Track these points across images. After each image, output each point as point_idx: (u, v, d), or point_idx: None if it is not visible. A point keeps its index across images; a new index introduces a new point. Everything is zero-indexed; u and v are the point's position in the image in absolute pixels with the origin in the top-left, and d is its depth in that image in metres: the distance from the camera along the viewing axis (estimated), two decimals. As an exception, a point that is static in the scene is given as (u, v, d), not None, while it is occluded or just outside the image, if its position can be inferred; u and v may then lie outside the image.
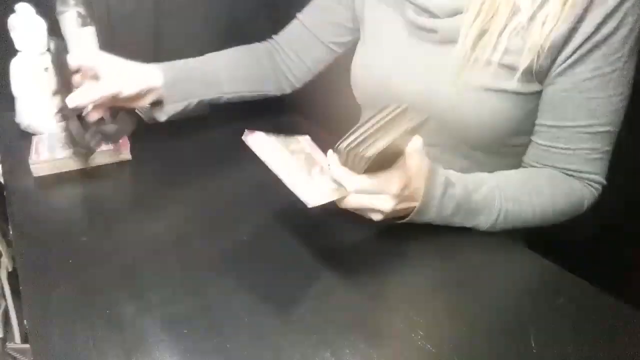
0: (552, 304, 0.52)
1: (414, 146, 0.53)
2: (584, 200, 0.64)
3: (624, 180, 0.66)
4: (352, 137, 0.48)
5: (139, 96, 0.73)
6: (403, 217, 0.58)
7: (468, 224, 0.60)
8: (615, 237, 0.96)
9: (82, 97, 0.66)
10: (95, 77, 0.71)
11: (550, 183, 0.63)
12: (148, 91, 0.74)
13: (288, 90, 0.92)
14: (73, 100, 0.65)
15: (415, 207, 0.56)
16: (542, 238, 0.73)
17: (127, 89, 0.70)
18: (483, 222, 0.60)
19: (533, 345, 0.45)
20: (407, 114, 0.50)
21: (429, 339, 0.46)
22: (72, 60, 0.68)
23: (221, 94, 0.84)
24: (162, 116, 0.78)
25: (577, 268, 0.56)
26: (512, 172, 0.65)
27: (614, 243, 0.97)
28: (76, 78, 0.70)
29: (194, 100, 0.80)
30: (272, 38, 0.92)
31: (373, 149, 0.47)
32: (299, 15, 0.88)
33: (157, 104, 0.77)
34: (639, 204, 0.90)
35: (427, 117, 0.50)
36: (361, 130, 0.48)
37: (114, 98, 0.70)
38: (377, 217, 0.55)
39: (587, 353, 0.46)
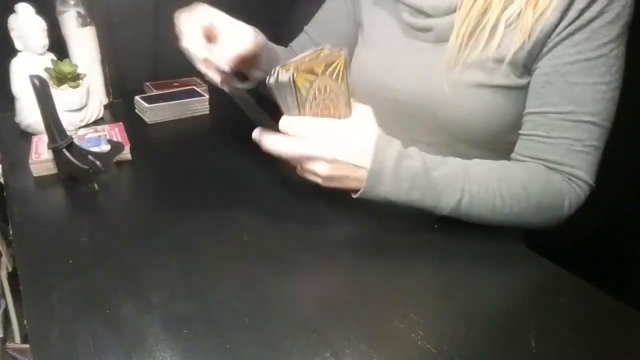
0: (552, 304, 0.52)
1: (361, 106, 0.56)
2: (563, 196, 0.61)
3: (624, 179, 0.66)
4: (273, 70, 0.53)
5: (254, 60, 0.67)
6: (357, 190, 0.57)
7: (429, 203, 0.58)
8: (616, 237, 0.96)
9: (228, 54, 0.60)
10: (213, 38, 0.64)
11: (525, 171, 0.61)
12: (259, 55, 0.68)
13: None
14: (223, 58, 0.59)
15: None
16: (542, 238, 0.73)
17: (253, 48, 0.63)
18: (445, 202, 0.58)
19: (533, 345, 0.45)
20: (324, 51, 0.55)
21: (429, 339, 0.46)
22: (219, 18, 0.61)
23: None
24: (250, 84, 0.70)
25: (577, 268, 0.56)
26: (483, 160, 0.62)
27: (614, 243, 0.97)
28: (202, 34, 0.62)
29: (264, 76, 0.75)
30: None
31: (287, 74, 0.50)
32: (306, 28, 0.88)
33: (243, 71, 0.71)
34: (638, 204, 0.90)
35: (345, 51, 0.53)
36: (281, 63, 0.53)
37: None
38: (320, 168, 0.55)
39: (587, 353, 0.46)
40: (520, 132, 0.65)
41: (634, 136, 0.64)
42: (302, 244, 0.59)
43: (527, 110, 0.64)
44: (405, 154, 0.57)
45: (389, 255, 0.58)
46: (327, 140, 0.54)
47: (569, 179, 0.62)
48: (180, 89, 1.03)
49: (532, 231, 0.67)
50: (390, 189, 0.56)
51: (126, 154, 0.75)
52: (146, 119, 0.93)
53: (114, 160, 0.71)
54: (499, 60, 0.61)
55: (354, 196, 0.58)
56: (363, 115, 0.57)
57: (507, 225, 0.61)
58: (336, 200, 0.67)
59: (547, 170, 0.62)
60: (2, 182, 0.75)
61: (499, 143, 0.68)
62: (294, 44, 0.90)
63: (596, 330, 0.49)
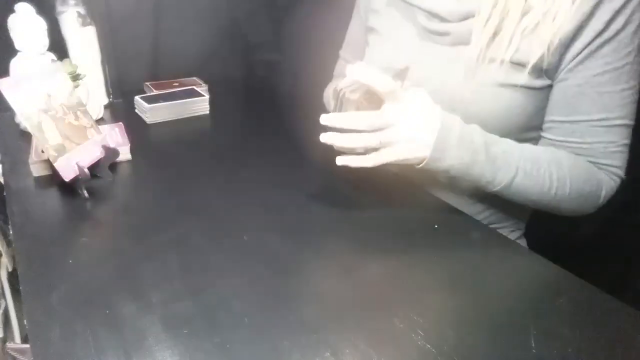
0: (552, 304, 0.52)
1: (416, 89, 0.59)
2: (602, 185, 0.64)
3: (625, 179, 0.66)
4: (342, 84, 0.59)
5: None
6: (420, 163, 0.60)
7: (487, 178, 0.60)
8: (616, 237, 0.96)
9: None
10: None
11: (570, 158, 0.63)
12: None
13: None
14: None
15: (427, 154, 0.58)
16: (542, 238, 0.73)
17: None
18: (499, 179, 0.60)
19: (533, 345, 0.45)
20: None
21: (429, 339, 0.46)
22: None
23: None
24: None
25: (577, 268, 0.56)
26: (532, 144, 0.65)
27: (614, 243, 0.97)
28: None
29: None
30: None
31: (357, 93, 0.57)
32: (340, 52, 0.91)
33: None
34: (638, 203, 0.90)
35: (407, 66, 0.57)
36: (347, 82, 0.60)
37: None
38: (372, 142, 0.57)
39: (587, 353, 0.46)
40: (548, 136, 0.66)
41: (634, 136, 0.64)
42: (302, 244, 0.59)
43: (554, 117, 0.64)
44: (468, 128, 0.59)
45: (389, 255, 0.58)
46: (402, 118, 0.57)
47: (608, 171, 0.64)
48: (180, 89, 1.03)
49: (532, 231, 0.68)
50: (454, 160, 0.59)
51: (126, 154, 0.75)
52: (146, 119, 0.93)
53: (113, 161, 0.71)
54: (518, 63, 0.62)
55: (418, 167, 0.60)
56: (421, 94, 0.60)
57: (545, 209, 0.64)
58: (336, 201, 0.67)
59: (587, 162, 0.64)
60: (2, 182, 0.75)
61: (515, 141, 0.68)
62: (336, 72, 0.92)
63: (596, 330, 0.49)
